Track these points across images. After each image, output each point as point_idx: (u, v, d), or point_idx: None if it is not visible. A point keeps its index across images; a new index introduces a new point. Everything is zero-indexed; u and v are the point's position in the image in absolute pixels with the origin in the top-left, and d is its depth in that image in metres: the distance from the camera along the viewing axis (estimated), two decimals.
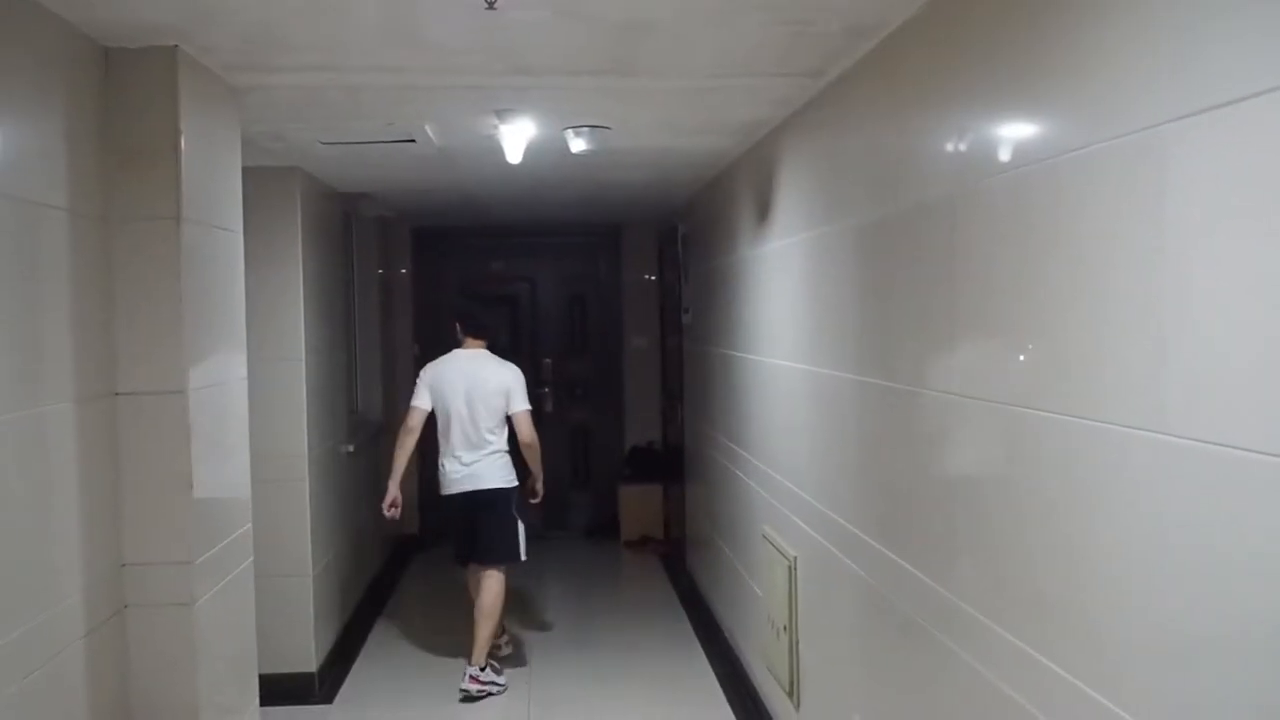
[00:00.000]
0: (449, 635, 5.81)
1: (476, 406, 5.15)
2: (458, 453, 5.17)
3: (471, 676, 5.02)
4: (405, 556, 7.83)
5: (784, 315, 4.05)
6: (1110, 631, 1.73)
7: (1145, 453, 1.60)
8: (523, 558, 5.22)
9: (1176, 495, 1.54)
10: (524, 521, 5.25)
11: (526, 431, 5.19)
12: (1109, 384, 1.72)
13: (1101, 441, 1.73)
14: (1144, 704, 1.64)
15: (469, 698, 4.99)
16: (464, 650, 5.21)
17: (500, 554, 5.18)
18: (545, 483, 5.52)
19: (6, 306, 2.32)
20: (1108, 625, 1.73)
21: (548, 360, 8.46)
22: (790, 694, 3.94)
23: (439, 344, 8.16)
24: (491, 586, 5.14)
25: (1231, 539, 1.43)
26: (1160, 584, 1.59)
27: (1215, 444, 1.45)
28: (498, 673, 5.17)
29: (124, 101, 2.83)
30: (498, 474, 5.17)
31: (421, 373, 5.36)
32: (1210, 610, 1.48)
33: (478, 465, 5.16)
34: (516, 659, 5.56)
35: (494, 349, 5.37)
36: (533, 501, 5.38)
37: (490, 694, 5.06)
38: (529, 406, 5.24)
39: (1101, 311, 1.74)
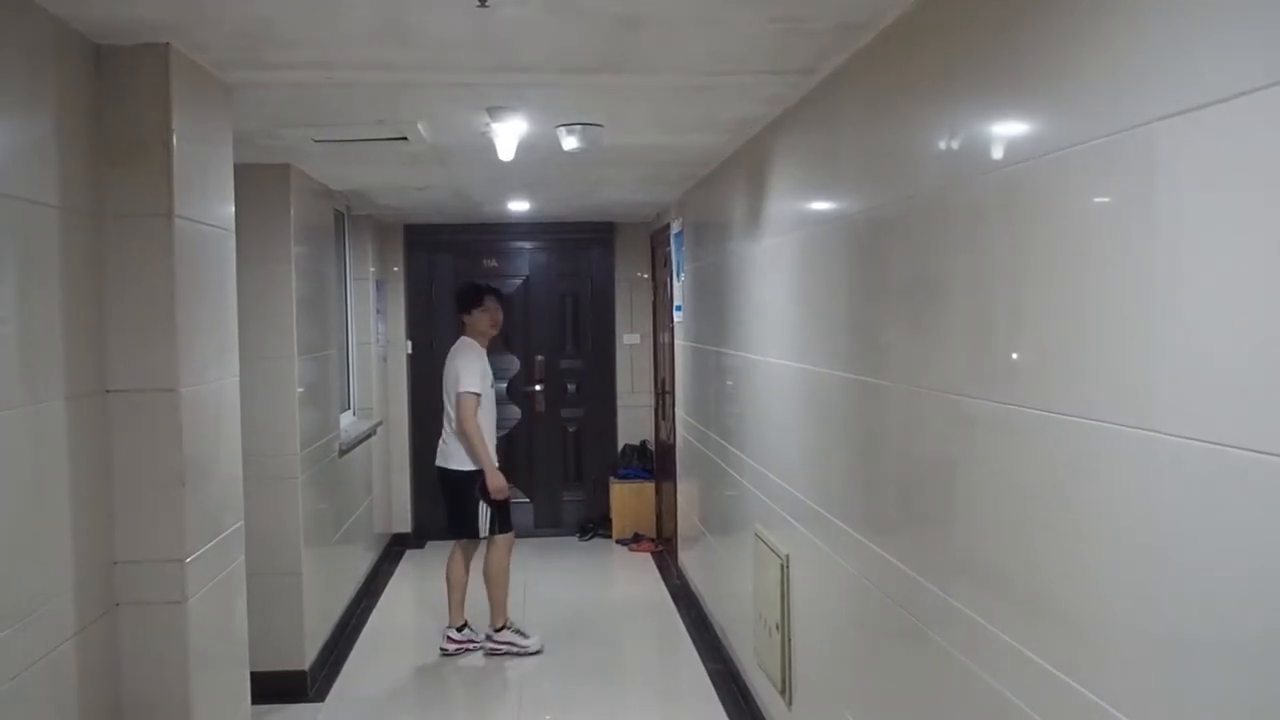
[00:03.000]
0: (441, 633, 5.80)
1: (446, 390, 5.60)
2: (443, 433, 5.64)
3: (487, 637, 5.62)
4: (397, 554, 7.84)
5: (776, 313, 4.06)
6: (1103, 630, 1.73)
7: (1136, 450, 1.61)
8: (480, 535, 5.57)
9: (1166, 493, 1.55)
10: (488, 503, 5.54)
11: (457, 414, 5.46)
12: (1099, 382, 1.72)
13: (1093, 439, 1.74)
14: (1136, 703, 1.64)
15: (445, 653, 5.61)
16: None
17: (458, 529, 5.64)
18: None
19: None
20: (1101, 623, 1.74)
21: (540, 358, 8.47)
22: (782, 692, 3.95)
23: (433, 341, 8.24)
24: (487, 555, 5.61)
25: (1220, 536, 1.44)
26: (1152, 582, 1.59)
27: (1204, 441, 1.46)
28: (524, 634, 5.62)
29: (116, 98, 2.82)
30: (453, 456, 5.54)
31: None
32: (1200, 608, 1.49)
33: (443, 446, 5.61)
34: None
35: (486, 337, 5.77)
36: (494, 498, 5.51)
37: (513, 653, 5.55)
38: (468, 389, 5.44)
39: (1093, 310, 1.74)
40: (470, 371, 5.47)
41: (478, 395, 5.44)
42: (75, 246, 2.67)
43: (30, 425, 2.45)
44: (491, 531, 5.55)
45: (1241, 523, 1.40)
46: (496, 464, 5.56)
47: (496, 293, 5.87)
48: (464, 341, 5.65)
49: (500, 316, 5.79)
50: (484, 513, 5.52)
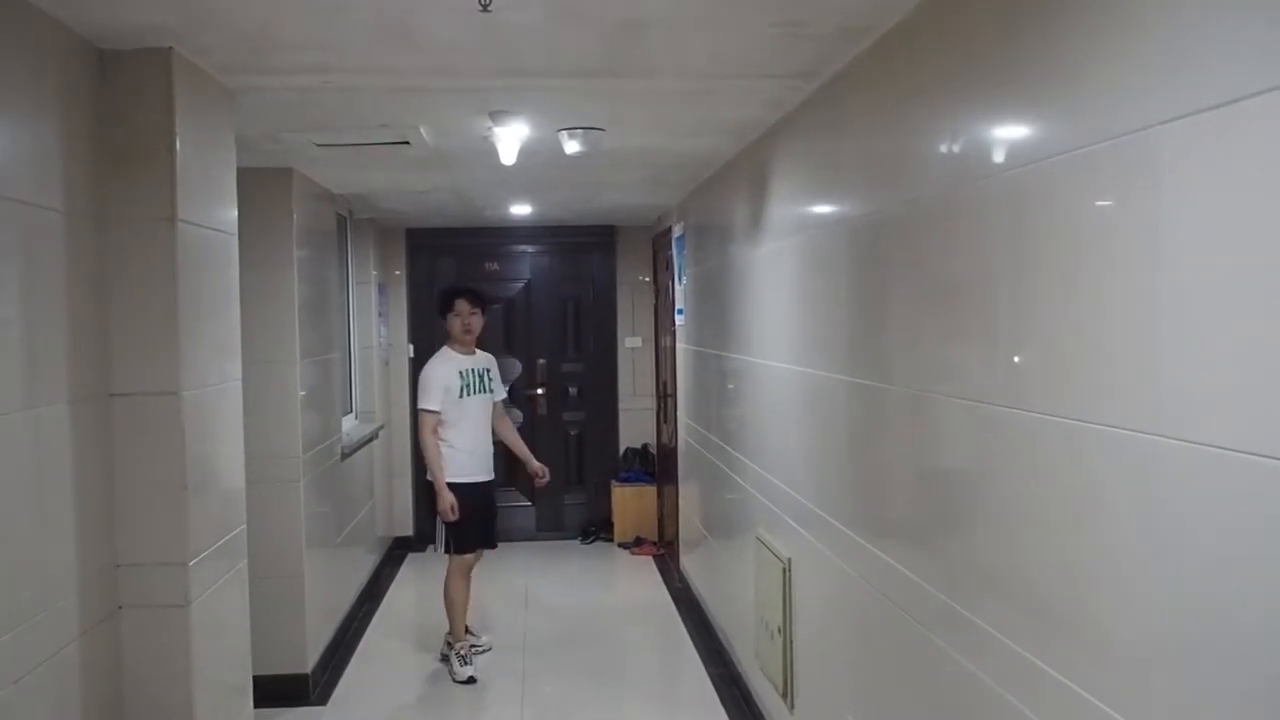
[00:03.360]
0: (443, 636, 5.80)
1: None
2: None
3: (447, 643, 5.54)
4: (399, 557, 7.84)
5: (777, 316, 4.06)
6: (1104, 634, 1.73)
7: (1139, 454, 1.61)
8: (437, 549, 5.51)
9: (1169, 496, 1.55)
10: (448, 525, 5.33)
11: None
12: (1103, 385, 1.73)
13: (1095, 443, 1.74)
14: (1138, 706, 1.64)
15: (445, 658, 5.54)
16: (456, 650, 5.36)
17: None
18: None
19: (1, 307, 2.33)
20: (1102, 627, 1.74)
21: (541, 361, 8.47)
22: (784, 696, 3.95)
23: (434, 344, 8.23)
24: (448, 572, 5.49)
25: (1224, 540, 1.44)
26: (1154, 585, 1.59)
27: (1207, 445, 1.46)
28: (462, 661, 5.34)
29: (119, 103, 2.83)
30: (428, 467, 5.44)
31: None
32: (1203, 611, 1.49)
33: None
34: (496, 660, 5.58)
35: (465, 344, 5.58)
36: (443, 519, 5.30)
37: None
38: (424, 405, 5.33)
39: (1095, 313, 1.75)
40: (429, 386, 5.30)
41: (435, 413, 5.28)
42: (78, 250, 2.68)
43: (33, 429, 2.45)
44: (448, 550, 5.37)
45: (1243, 524, 1.40)
46: (491, 476, 5.45)
47: (472, 294, 5.54)
48: (440, 351, 5.49)
49: (474, 320, 5.45)
50: (440, 529, 5.37)
